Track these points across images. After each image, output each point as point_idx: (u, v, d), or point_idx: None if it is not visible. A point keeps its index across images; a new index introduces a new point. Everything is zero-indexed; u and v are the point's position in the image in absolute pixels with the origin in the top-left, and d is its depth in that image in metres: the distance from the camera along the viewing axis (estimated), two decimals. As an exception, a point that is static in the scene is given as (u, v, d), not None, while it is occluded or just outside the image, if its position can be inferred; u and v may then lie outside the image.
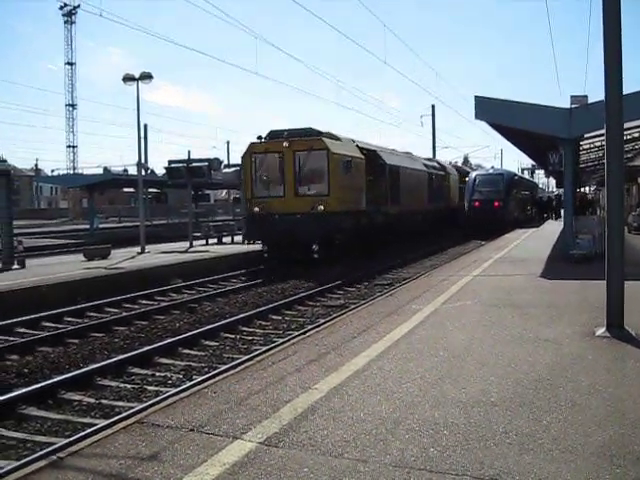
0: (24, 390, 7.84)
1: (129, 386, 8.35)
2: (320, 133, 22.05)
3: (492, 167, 54.73)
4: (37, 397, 7.69)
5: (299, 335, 9.78)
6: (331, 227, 20.73)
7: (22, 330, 12.00)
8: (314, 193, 21.42)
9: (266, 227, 21.14)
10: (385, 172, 26.31)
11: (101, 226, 43.57)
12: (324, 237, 20.61)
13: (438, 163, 39.48)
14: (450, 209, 38.22)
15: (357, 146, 24.40)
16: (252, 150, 22.24)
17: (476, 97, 16.75)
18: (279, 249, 21.27)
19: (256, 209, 21.65)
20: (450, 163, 47.06)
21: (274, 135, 22.10)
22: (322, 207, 20.67)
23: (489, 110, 16.88)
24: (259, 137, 22.37)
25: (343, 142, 23.16)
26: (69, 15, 68.32)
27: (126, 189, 60.77)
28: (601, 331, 8.27)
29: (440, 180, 36.81)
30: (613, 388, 6.01)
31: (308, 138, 21.48)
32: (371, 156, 25.31)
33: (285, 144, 21.30)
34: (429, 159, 37.88)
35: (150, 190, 47.97)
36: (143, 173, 29.70)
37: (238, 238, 28.62)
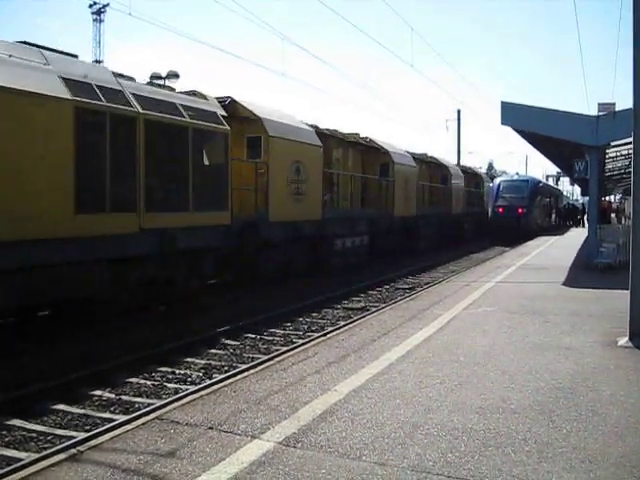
0: None
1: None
2: None
3: (517, 173, 54.19)
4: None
5: (319, 337, 9.78)
6: None
7: None
8: None
9: None
10: None
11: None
12: None
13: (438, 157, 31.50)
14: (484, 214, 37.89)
15: None
16: None
17: (502, 103, 16.75)
18: None
19: None
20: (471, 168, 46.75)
21: None
22: None
23: (515, 116, 16.83)
24: None
25: None
26: (98, 13, 68.82)
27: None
28: (623, 341, 8.19)
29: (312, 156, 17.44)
30: (635, 399, 5.95)
31: None
32: None
33: None
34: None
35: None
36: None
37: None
